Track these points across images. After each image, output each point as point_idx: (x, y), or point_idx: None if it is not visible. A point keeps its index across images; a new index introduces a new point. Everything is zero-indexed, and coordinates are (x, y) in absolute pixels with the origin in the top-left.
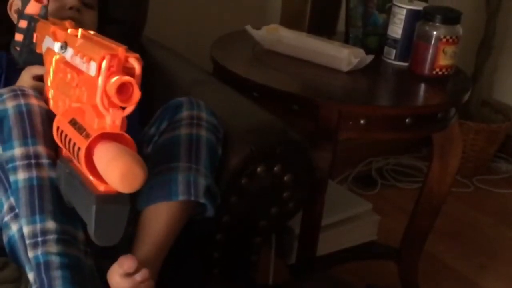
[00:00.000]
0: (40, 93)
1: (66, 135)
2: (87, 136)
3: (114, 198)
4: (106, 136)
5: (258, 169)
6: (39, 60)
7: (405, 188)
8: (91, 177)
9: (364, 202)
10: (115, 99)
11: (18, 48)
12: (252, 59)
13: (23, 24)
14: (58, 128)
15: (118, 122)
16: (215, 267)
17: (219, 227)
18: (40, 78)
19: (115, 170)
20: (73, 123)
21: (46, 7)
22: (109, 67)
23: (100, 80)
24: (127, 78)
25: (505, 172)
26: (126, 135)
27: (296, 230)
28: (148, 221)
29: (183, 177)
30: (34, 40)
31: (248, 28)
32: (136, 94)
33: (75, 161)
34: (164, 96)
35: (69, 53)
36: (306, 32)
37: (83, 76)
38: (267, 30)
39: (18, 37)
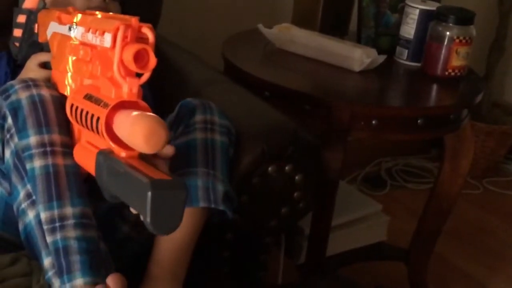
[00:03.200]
0: (47, 80)
1: (82, 110)
2: (106, 105)
3: (169, 183)
4: (124, 105)
5: (270, 169)
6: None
7: (414, 189)
8: (112, 144)
9: (374, 202)
10: (132, 66)
11: (17, 44)
12: (263, 58)
13: (21, 19)
14: (72, 105)
15: (135, 90)
16: (225, 266)
17: (230, 226)
18: (45, 65)
19: (139, 131)
20: (89, 97)
21: (43, 0)
22: (124, 37)
23: (116, 49)
24: (142, 45)
25: None
26: (143, 102)
27: (306, 230)
28: None
29: (202, 183)
30: (35, 31)
31: (260, 27)
32: (152, 60)
33: (116, 152)
34: (175, 95)
35: (79, 31)
36: (318, 31)
37: (96, 50)
38: (279, 29)
39: (17, 32)
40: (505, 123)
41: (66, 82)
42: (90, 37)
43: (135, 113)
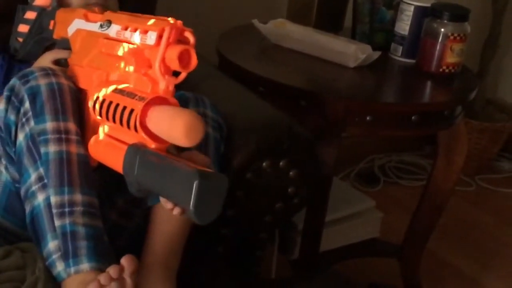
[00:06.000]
0: None
1: (111, 102)
2: (142, 99)
3: (213, 175)
4: (156, 101)
5: (264, 164)
6: (40, 51)
7: (407, 186)
8: (145, 136)
9: (368, 199)
10: (176, 65)
11: (20, 39)
12: (258, 53)
13: (30, 15)
14: (97, 98)
15: (171, 87)
16: (219, 261)
17: (224, 222)
18: (58, 63)
19: (180, 124)
20: (120, 91)
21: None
22: (168, 37)
23: (161, 48)
24: (186, 46)
25: (508, 171)
26: (174, 99)
27: (300, 225)
28: (160, 217)
29: None
30: (51, 27)
31: (255, 22)
32: (194, 61)
33: (150, 146)
34: None
35: (114, 29)
36: (313, 27)
37: (133, 47)
38: (274, 25)
39: (23, 28)
40: (498, 121)
41: (93, 77)
42: (128, 35)
43: (173, 107)
